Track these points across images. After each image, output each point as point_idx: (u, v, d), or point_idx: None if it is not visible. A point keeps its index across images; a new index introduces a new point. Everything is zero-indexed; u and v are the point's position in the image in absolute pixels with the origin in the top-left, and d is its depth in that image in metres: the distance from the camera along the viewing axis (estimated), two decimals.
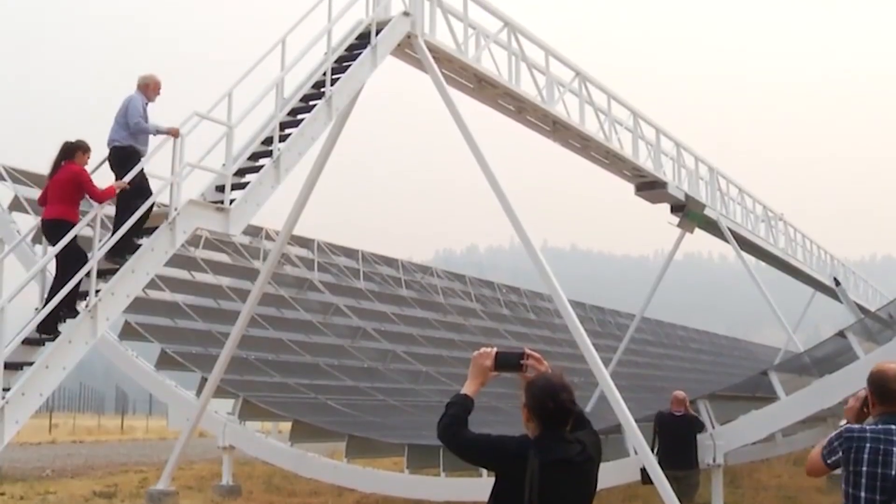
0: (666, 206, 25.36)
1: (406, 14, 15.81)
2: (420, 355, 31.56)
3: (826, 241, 40.17)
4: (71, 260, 11.07)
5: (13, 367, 10.50)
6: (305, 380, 25.71)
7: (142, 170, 11.80)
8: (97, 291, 10.92)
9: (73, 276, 10.83)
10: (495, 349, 5.21)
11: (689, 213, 25.30)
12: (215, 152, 13.04)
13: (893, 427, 5.44)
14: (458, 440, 4.96)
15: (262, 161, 13.44)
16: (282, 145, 13.32)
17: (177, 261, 23.60)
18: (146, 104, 12.40)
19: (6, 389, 10.09)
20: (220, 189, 12.85)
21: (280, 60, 13.72)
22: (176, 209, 11.78)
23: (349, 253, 33.35)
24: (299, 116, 14.05)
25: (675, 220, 25.65)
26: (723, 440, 16.62)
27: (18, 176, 22.27)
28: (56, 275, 11.23)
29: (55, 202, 11.30)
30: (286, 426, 23.85)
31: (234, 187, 12.83)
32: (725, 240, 26.83)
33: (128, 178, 11.57)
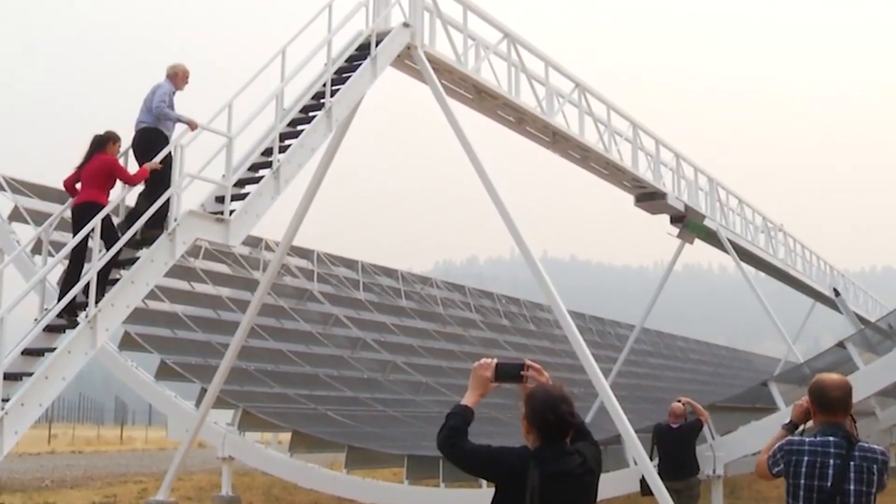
0: (665, 217, 25.36)
1: (406, 25, 15.82)
2: (420, 366, 31.56)
3: (826, 252, 40.21)
4: (105, 241, 11.34)
5: (12, 377, 10.46)
6: (305, 390, 25.71)
7: (168, 157, 12.06)
8: (97, 302, 10.91)
9: (106, 258, 11.13)
10: (495, 360, 5.22)
11: (688, 223, 25.31)
12: (215, 163, 13.05)
13: (831, 439, 5.56)
14: (458, 451, 4.95)
15: (261, 172, 13.44)
16: (281, 156, 13.32)
17: (176, 271, 23.62)
18: (174, 93, 12.78)
19: (5, 400, 10.06)
20: (220, 200, 12.85)
21: (280, 71, 13.72)
22: (176, 220, 11.78)
23: (349, 264, 33.36)
24: (299, 127, 14.05)
25: (675, 230, 25.65)
26: (723, 451, 16.63)
27: (18, 186, 22.27)
28: (72, 261, 11.42)
29: (88, 188, 11.70)
30: (286, 437, 23.85)
31: (234, 198, 12.82)
32: (725, 250, 26.82)
33: (158, 157, 11.94)
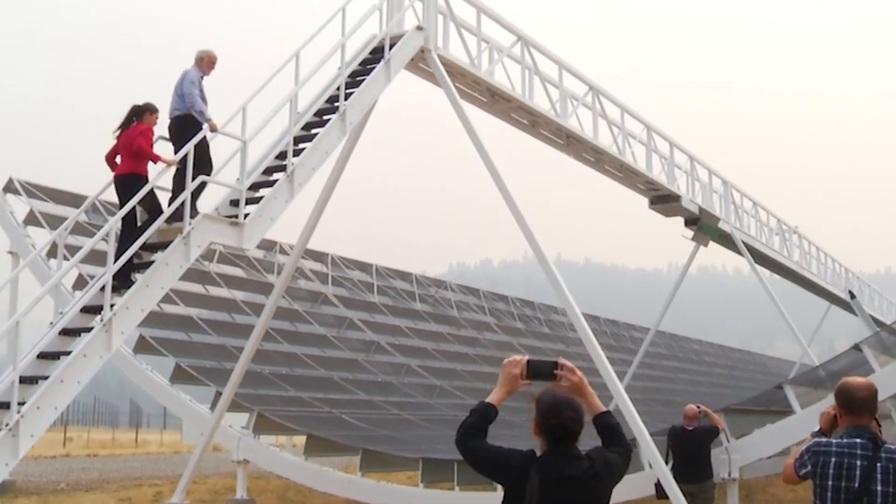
0: (680, 220, 25.32)
1: (419, 28, 15.84)
2: (434, 369, 31.55)
3: (841, 254, 40.09)
4: (149, 211, 11.71)
5: (28, 380, 10.52)
6: (319, 394, 25.72)
7: (203, 141, 12.34)
8: (112, 306, 10.94)
9: (146, 229, 11.51)
10: (526, 357, 5.14)
11: (703, 226, 25.25)
12: (229, 167, 13.13)
13: (858, 441, 5.59)
14: (470, 450, 4.95)
15: (276, 175, 13.48)
16: (296, 160, 13.34)
17: (191, 275, 23.65)
18: (201, 78, 13.02)
19: (21, 403, 10.11)
20: (235, 203, 12.90)
21: (294, 75, 13.76)
22: (190, 223, 11.81)
23: (363, 267, 33.38)
24: (313, 131, 14.09)
25: (690, 233, 25.59)
26: (738, 454, 16.59)
27: (33, 190, 22.38)
28: (124, 229, 11.77)
29: (126, 159, 11.95)
30: (300, 440, 23.87)
31: (249, 202, 12.86)
32: (740, 253, 26.77)
33: (178, 156, 12.11)
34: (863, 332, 29.58)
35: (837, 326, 56.23)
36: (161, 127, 12.73)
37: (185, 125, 12.63)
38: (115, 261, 11.16)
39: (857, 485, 5.49)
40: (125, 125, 12.16)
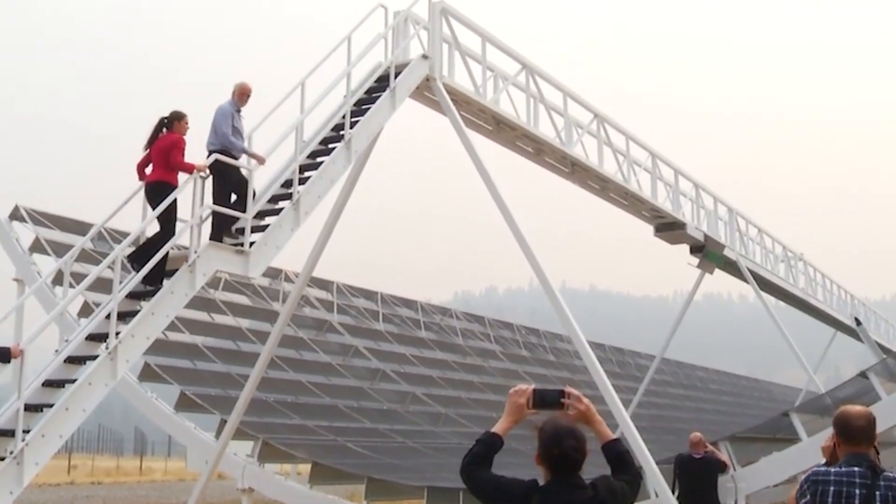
0: (685, 247, 25.30)
1: (425, 57, 15.88)
2: (439, 397, 31.51)
3: (846, 281, 39.97)
4: (171, 221, 11.91)
5: (33, 408, 10.52)
6: (325, 422, 25.69)
7: (238, 174, 12.66)
8: (117, 334, 10.95)
9: (173, 235, 11.80)
10: (532, 386, 5.11)
11: (708, 253, 25.23)
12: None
13: (856, 469, 5.61)
14: (474, 479, 4.94)
15: (281, 204, 13.49)
16: (301, 188, 13.36)
17: (196, 303, 23.68)
18: (238, 110, 13.20)
19: (26, 431, 10.10)
20: (240, 231, 12.91)
21: (300, 103, 13.80)
22: (196, 252, 11.83)
23: (368, 295, 33.39)
24: (319, 159, 14.11)
25: (695, 260, 25.58)
26: (744, 482, 16.53)
27: (39, 218, 22.43)
28: (158, 232, 12.06)
29: (157, 167, 12.15)
30: (305, 468, 23.79)
31: (254, 230, 12.87)
32: (745, 280, 26.74)
33: (209, 161, 12.38)
34: (869, 360, 29.50)
35: (843, 353, 56.16)
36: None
37: (221, 163, 12.68)
38: (141, 265, 11.55)
39: None
40: (155, 137, 12.33)
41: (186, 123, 12.49)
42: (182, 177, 12.24)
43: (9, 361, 10.46)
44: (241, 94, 13.34)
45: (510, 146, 18.99)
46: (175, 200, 11.98)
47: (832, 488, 5.59)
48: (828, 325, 38.09)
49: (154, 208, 11.86)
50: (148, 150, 12.40)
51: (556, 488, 4.76)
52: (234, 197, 12.68)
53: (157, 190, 11.98)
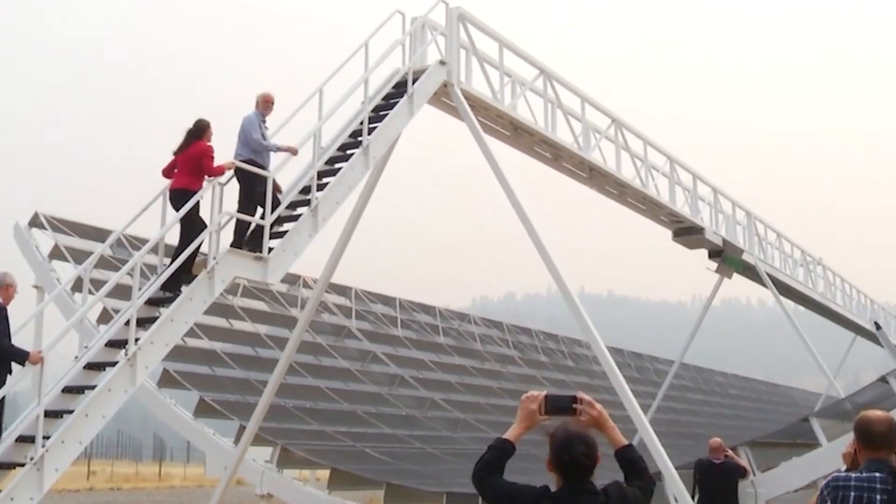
0: (704, 252, 25.26)
1: (442, 63, 15.90)
2: (458, 403, 31.48)
3: (866, 285, 39.84)
4: (193, 227, 12.06)
5: (53, 414, 10.56)
6: (343, 427, 25.70)
7: (263, 182, 12.69)
8: (136, 340, 10.98)
9: (193, 241, 11.90)
10: (544, 392, 5.07)
11: (726, 258, 25.18)
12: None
13: (877, 475, 5.57)
14: (485, 486, 4.92)
15: (299, 210, 13.52)
16: (319, 194, 13.38)
17: (215, 309, 23.70)
18: (263, 120, 13.31)
19: (46, 437, 10.14)
20: (257, 243, 12.94)
21: (318, 109, 13.84)
22: (215, 258, 11.86)
23: (386, 300, 33.39)
24: (337, 165, 14.14)
25: (713, 265, 25.54)
26: (764, 488, 16.47)
27: (58, 224, 22.52)
28: (179, 239, 12.26)
29: (183, 174, 12.39)
30: (324, 474, 23.82)
31: (273, 236, 12.91)
32: (764, 285, 26.67)
33: (234, 163, 12.64)
34: (889, 364, 29.39)
35: (863, 358, 55.77)
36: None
37: (248, 172, 12.85)
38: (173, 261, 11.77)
39: None
40: (186, 145, 12.54)
41: (211, 132, 12.68)
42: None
43: (24, 364, 10.54)
44: (266, 103, 13.42)
45: (528, 151, 18.99)
46: (198, 206, 12.12)
47: (853, 494, 5.54)
48: (847, 329, 37.98)
49: (176, 211, 12.04)
50: (175, 157, 12.57)
51: (568, 494, 4.74)
52: (259, 211, 12.76)
53: (183, 197, 12.13)
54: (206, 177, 12.41)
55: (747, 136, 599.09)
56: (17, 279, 11.41)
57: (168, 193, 12.45)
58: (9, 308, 10.96)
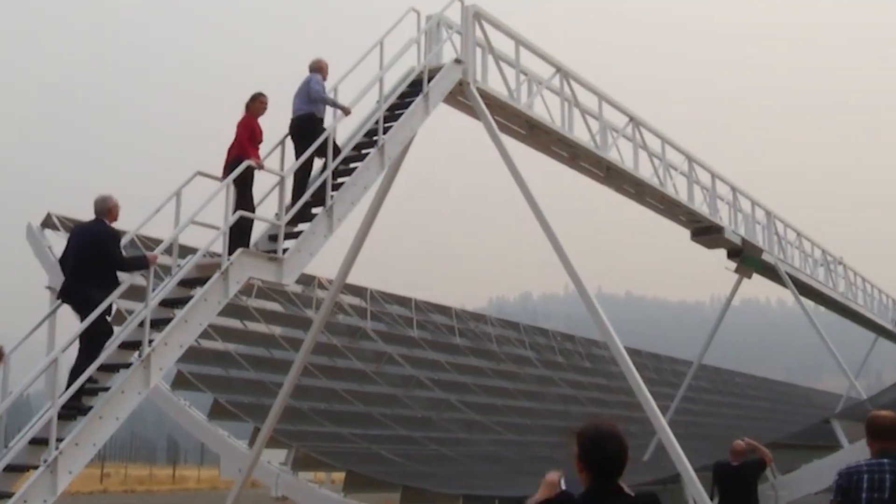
0: (722, 252, 25.09)
1: (458, 61, 15.76)
2: (474, 404, 31.35)
3: (887, 285, 39.57)
4: (244, 198, 12.57)
5: (67, 417, 10.48)
6: (358, 429, 25.60)
7: (326, 137, 13.24)
8: (150, 342, 10.89)
9: (246, 206, 12.44)
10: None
11: (746, 258, 25.02)
12: (268, 201, 13.10)
13: (885, 461, 6.63)
14: None
15: (314, 210, 13.41)
16: (335, 194, 13.28)
17: (229, 310, 23.63)
18: (323, 80, 13.99)
19: (60, 439, 10.06)
20: (273, 238, 12.86)
21: (332, 109, 13.74)
22: (229, 259, 11.75)
23: (402, 301, 33.27)
24: (352, 165, 14.02)
25: (732, 265, 25.37)
26: (785, 490, 16.30)
27: (71, 226, 22.45)
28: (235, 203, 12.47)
29: (235, 146, 12.88)
30: (339, 476, 23.72)
31: (287, 236, 12.81)
32: (784, 284, 26.49)
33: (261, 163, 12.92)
34: None
35: (885, 358, 55.50)
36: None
37: (308, 122, 13.56)
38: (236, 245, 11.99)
39: (887, 495, 6.50)
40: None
41: (262, 102, 13.15)
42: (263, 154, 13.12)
43: (147, 268, 11.29)
44: (325, 68, 14.04)
45: (545, 150, 18.84)
46: (252, 175, 12.56)
47: (865, 475, 6.59)
48: (869, 329, 37.73)
49: (237, 184, 12.39)
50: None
51: (597, 495, 4.68)
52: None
53: (234, 166, 12.44)
54: (257, 147, 12.94)
55: (767, 132, 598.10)
56: (117, 200, 11.74)
57: (224, 167, 12.75)
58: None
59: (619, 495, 4.68)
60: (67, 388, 10.48)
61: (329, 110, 13.96)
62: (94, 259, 11.10)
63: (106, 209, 11.47)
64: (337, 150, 13.54)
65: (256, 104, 13.08)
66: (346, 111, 13.91)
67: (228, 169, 12.58)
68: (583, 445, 4.75)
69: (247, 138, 12.85)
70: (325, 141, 13.20)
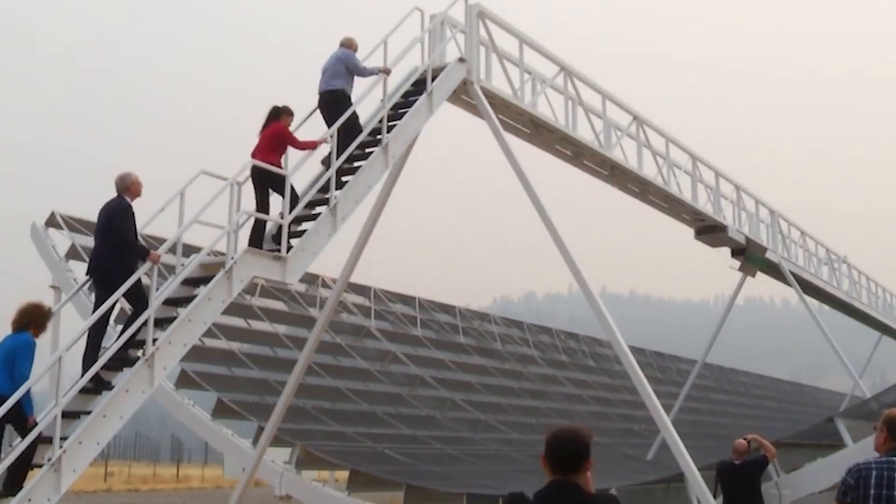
0: (726, 250, 25.07)
1: (462, 60, 15.76)
2: (478, 403, 31.34)
3: (892, 284, 39.51)
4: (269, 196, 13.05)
5: (71, 415, 10.49)
6: (363, 428, 25.59)
7: (354, 112, 13.84)
8: (154, 340, 10.88)
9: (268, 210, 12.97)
10: None
11: (750, 256, 24.99)
12: (272, 201, 13.10)
13: (894, 458, 6.72)
14: None
15: (318, 209, 13.41)
16: (338, 193, 13.29)
17: (233, 309, 23.64)
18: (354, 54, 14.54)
19: (64, 438, 10.06)
20: (277, 237, 12.85)
21: None
22: (233, 258, 11.75)
23: (406, 300, 33.28)
24: (356, 164, 14.02)
25: (736, 263, 25.36)
26: (789, 489, 16.27)
27: (75, 224, 22.46)
28: (258, 204, 12.98)
29: (260, 152, 12.93)
30: (343, 475, 23.71)
31: (291, 235, 12.80)
32: (788, 283, 26.45)
33: (331, 131, 13.45)
34: None
35: (890, 357, 55.37)
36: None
37: (337, 99, 13.96)
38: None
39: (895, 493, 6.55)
40: (267, 124, 13.19)
41: (291, 120, 13.42)
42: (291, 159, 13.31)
43: (145, 260, 11.36)
44: (356, 45, 14.57)
45: (549, 149, 18.83)
46: (283, 180, 12.74)
47: (874, 472, 6.67)
48: (873, 328, 37.68)
49: (260, 189, 12.86)
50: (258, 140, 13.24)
51: (550, 491, 4.86)
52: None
53: (262, 171, 12.70)
54: (285, 152, 13.16)
55: (771, 129, 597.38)
56: (137, 176, 11.93)
57: (251, 171, 12.86)
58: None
59: (574, 492, 4.80)
60: (83, 371, 10.72)
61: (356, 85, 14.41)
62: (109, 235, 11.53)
63: (125, 186, 11.74)
64: (359, 129, 13.97)
65: (289, 118, 13.40)
66: (388, 71, 14.43)
67: (255, 175, 12.85)
68: (546, 445, 4.95)
69: (274, 147, 13.05)
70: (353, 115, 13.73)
